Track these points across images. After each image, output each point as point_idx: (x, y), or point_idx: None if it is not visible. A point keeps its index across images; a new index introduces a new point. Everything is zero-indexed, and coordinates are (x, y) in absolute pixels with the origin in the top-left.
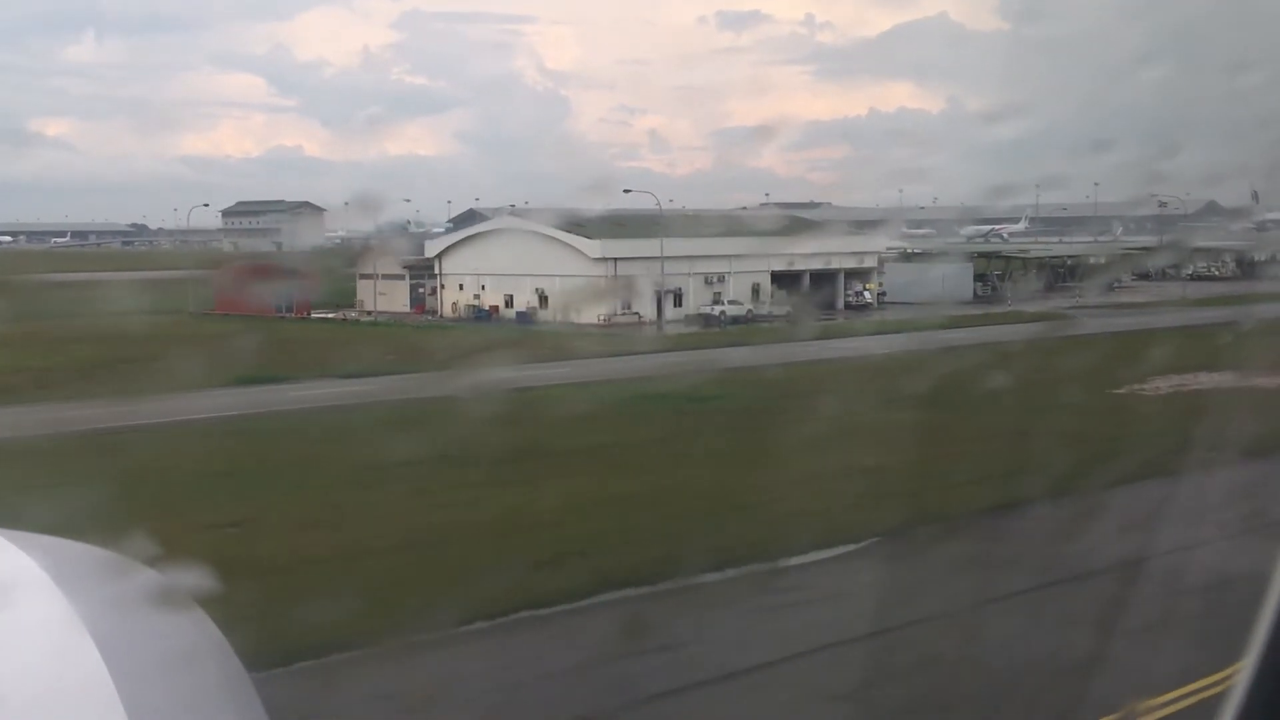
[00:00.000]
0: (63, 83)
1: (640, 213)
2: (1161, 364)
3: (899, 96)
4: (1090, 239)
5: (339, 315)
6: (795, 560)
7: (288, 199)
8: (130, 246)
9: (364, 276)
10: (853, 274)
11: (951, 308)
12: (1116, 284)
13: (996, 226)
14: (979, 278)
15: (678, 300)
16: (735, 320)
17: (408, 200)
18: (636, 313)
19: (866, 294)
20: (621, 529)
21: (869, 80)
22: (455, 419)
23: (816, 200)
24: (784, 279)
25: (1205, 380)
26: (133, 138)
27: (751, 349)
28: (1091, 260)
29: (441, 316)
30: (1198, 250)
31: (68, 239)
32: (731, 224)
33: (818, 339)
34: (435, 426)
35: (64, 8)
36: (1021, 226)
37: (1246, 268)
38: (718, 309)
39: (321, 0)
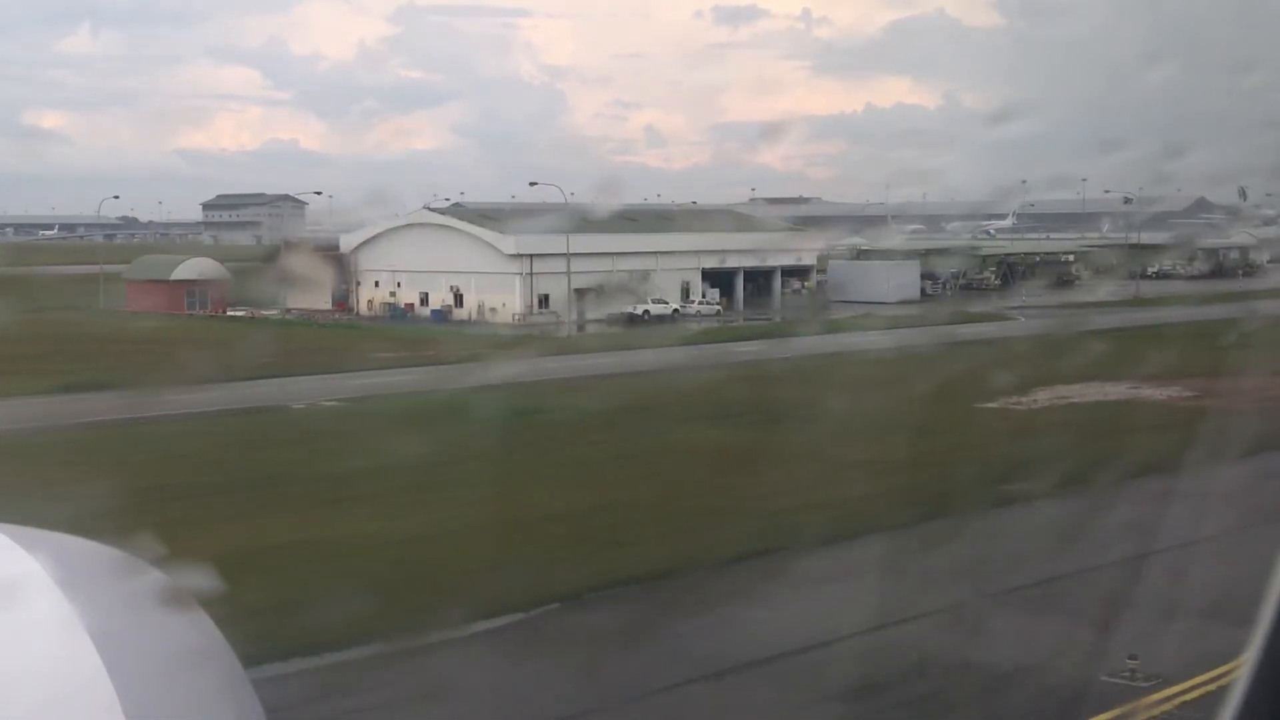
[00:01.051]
0: (59, 75)
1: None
2: (1060, 372)
3: (896, 92)
4: (1078, 236)
5: (248, 313)
6: (425, 639)
7: (285, 192)
8: (112, 240)
9: (286, 272)
10: (790, 272)
11: (891, 308)
12: (1075, 282)
13: (983, 223)
14: (929, 276)
15: (597, 298)
16: (662, 319)
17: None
18: (554, 312)
19: (804, 292)
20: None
21: (866, 76)
22: (193, 439)
23: (806, 195)
24: (717, 277)
25: (1093, 391)
26: (128, 130)
27: (655, 352)
28: (1061, 258)
29: (358, 314)
30: (1164, 248)
31: (55, 231)
32: (665, 220)
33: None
34: (149, 448)
35: (60, 0)
36: (1009, 223)
37: (1212, 266)
38: (640, 308)
39: None
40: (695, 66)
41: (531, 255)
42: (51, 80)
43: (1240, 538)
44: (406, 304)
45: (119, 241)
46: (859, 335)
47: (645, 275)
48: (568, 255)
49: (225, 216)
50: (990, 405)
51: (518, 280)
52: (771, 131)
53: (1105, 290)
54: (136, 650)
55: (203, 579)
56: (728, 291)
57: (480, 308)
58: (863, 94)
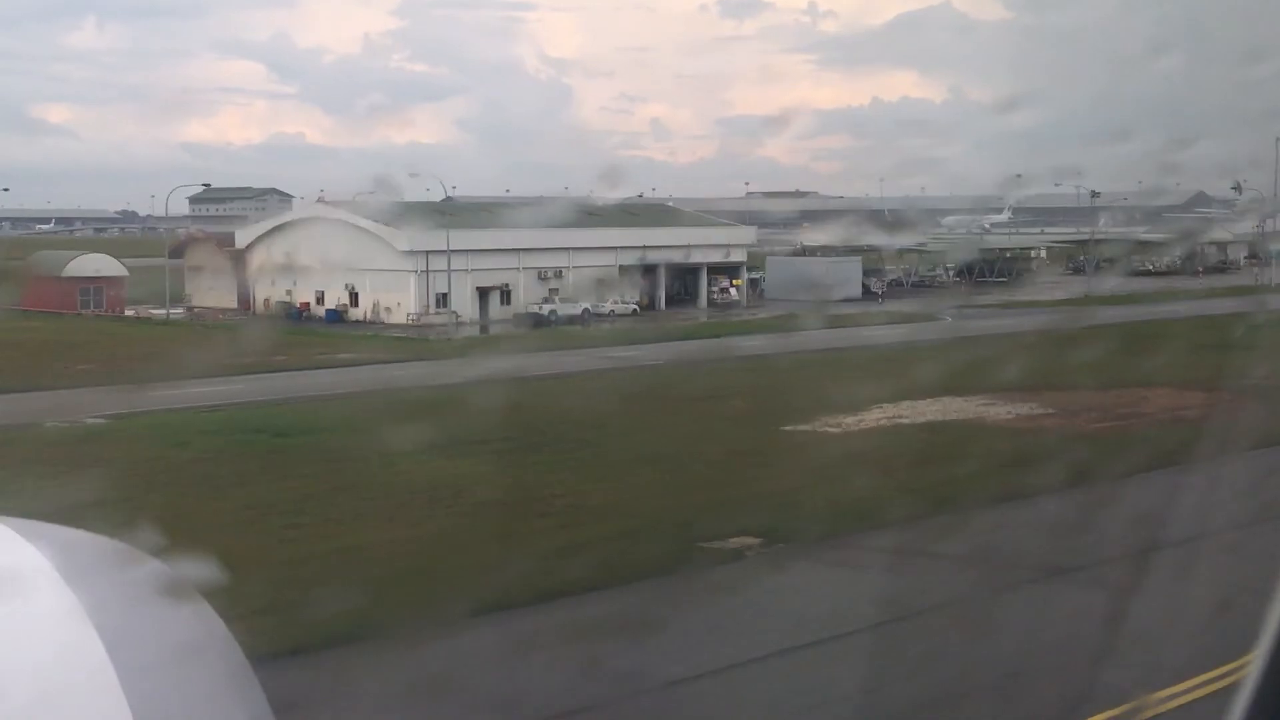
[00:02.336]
0: (64, 69)
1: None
2: (923, 382)
3: (902, 86)
4: (1073, 230)
5: (134, 313)
6: None
7: (296, 186)
8: (101, 233)
9: (193, 269)
10: (718, 269)
11: (826, 306)
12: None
13: (980, 217)
14: (874, 273)
15: (505, 298)
16: (572, 320)
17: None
18: (453, 311)
19: (733, 290)
20: None
21: (872, 69)
22: None
23: (805, 189)
24: (638, 274)
25: (936, 409)
26: (134, 124)
27: (533, 356)
28: (1034, 253)
29: (253, 313)
30: (1141, 244)
31: (52, 225)
32: (578, 213)
33: (631, 343)
34: None
35: None
36: (1005, 217)
37: (1187, 262)
38: (547, 308)
39: None
40: (701, 59)
41: (427, 252)
42: (57, 74)
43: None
44: (302, 303)
45: (107, 235)
46: (756, 338)
47: (558, 272)
48: (446, 251)
49: (212, 210)
50: (801, 427)
51: (412, 278)
52: (776, 124)
53: (1065, 287)
54: (141, 643)
55: (207, 571)
56: (649, 290)
57: (375, 307)
58: (869, 87)
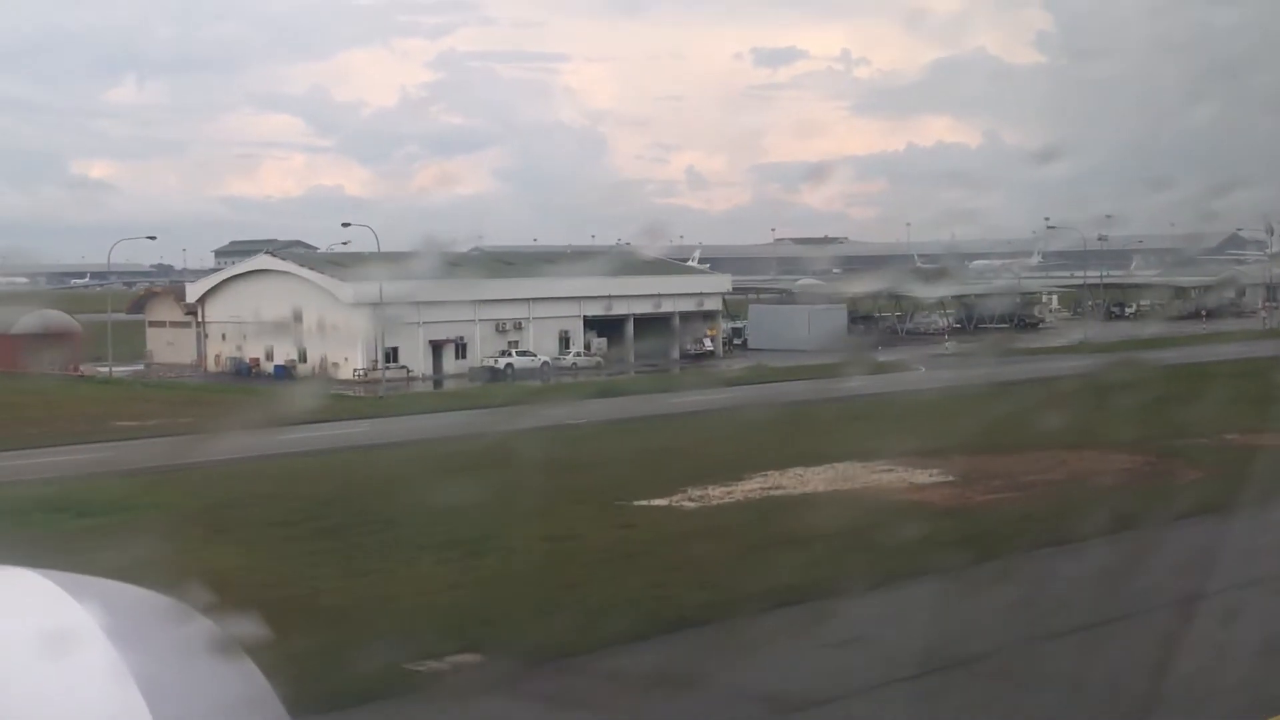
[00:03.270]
0: (105, 125)
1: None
2: (831, 445)
3: (937, 131)
4: (1102, 273)
5: (83, 371)
6: None
7: (329, 238)
8: (130, 287)
9: (153, 324)
10: (691, 317)
11: (808, 355)
12: (1039, 325)
13: (1008, 261)
14: (863, 319)
15: (460, 351)
16: (532, 374)
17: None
18: (404, 366)
19: (708, 341)
20: None
21: (907, 115)
22: None
23: (833, 235)
24: (605, 325)
25: (826, 477)
26: (175, 179)
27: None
28: (1043, 297)
29: (205, 370)
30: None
31: (87, 280)
32: (544, 263)
33: (566, 400)
34: None
35: (105, 50)
36: (1035, 261)
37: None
38: (503, 361)
39: (358, 40)
40: (735, 108)
41: (374, 304)
42: (98, 130)
43: None
44: (251, 359)
45: (133, 289)
46: (701, 394)
47: (518, 324)
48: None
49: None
50: (656, 502)
51: (358, 332)
52: (813, 173)
53: (1057, 334)
54: (185, 700)
55: (251, 628)
56: (617, 340)
57: (323, 363)
58: (904, 133)
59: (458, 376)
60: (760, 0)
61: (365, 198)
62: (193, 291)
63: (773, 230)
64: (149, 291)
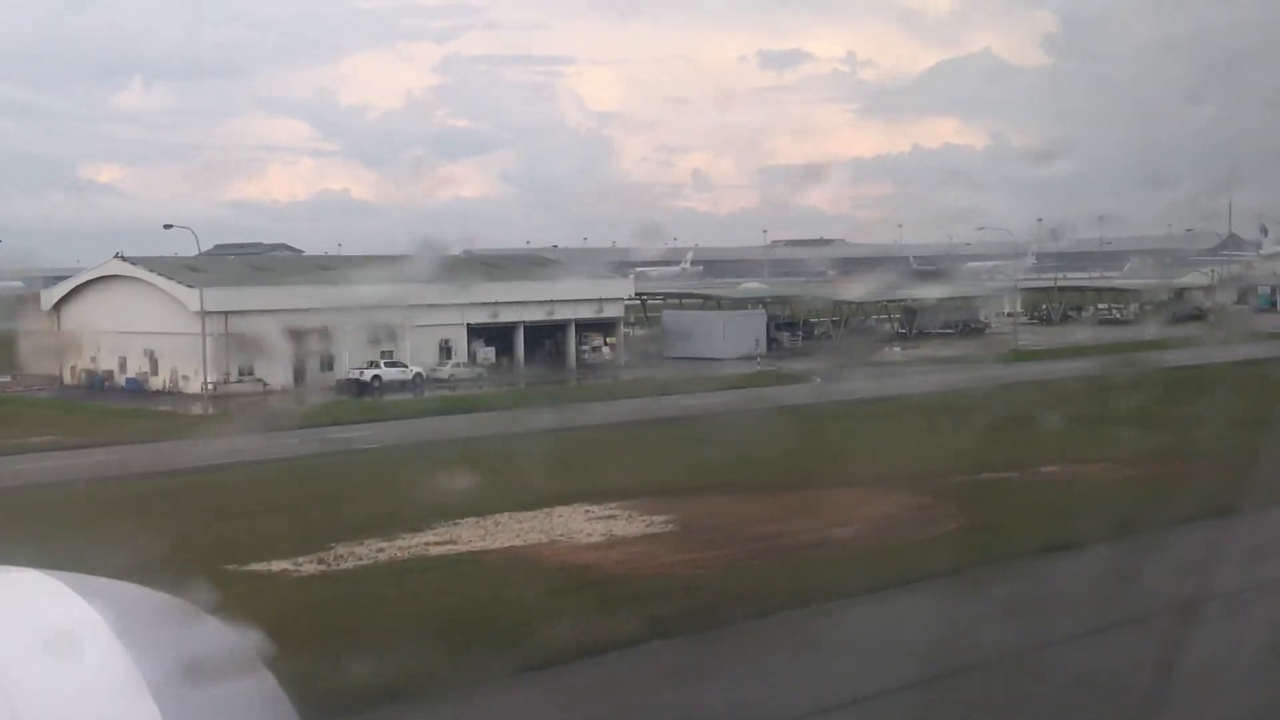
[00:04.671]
0: (112, 129)
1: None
2: (588, 480)
3: (943, 133)
4: (1095, 274)
5: None
6: None
7: (337, 242)
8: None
9: (26, 332)
10: (590, 326)
11: (724, 364)
12: (985, 330)
13: (1000, 263)
14: (787, 326)
15: (326, 362)
16: (403, 386)
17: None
18: (260, 379)
19: (605, 349)
20: None
21: (912, 117)
22: None
23: (829, 237)
24: (494, 334)
25: (527, 526)
26: (182, 183)
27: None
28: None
29: (61, 383)
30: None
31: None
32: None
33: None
34: None
35: (112, 55)
36: (1029, 262)
37: (1153, 311)
38: (369, 373)
39: (363, 45)
40: (741, 110)
41: (226, 313)
42: (105, 134)
43: None
44: (105, 371)
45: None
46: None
47: (390, 333)
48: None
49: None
50: (278, 565)
51: (208, 342)
52: (809, 173)
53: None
54: (195, 703)
55: (261, 631)
56: (507, 350)
57: (173, 375)
58: (909, 135)
59: (323, 390)
60: (765, 3)
61: (372, 201)
62: (47, 298)
63: (764, 232)
64: (17, 296)
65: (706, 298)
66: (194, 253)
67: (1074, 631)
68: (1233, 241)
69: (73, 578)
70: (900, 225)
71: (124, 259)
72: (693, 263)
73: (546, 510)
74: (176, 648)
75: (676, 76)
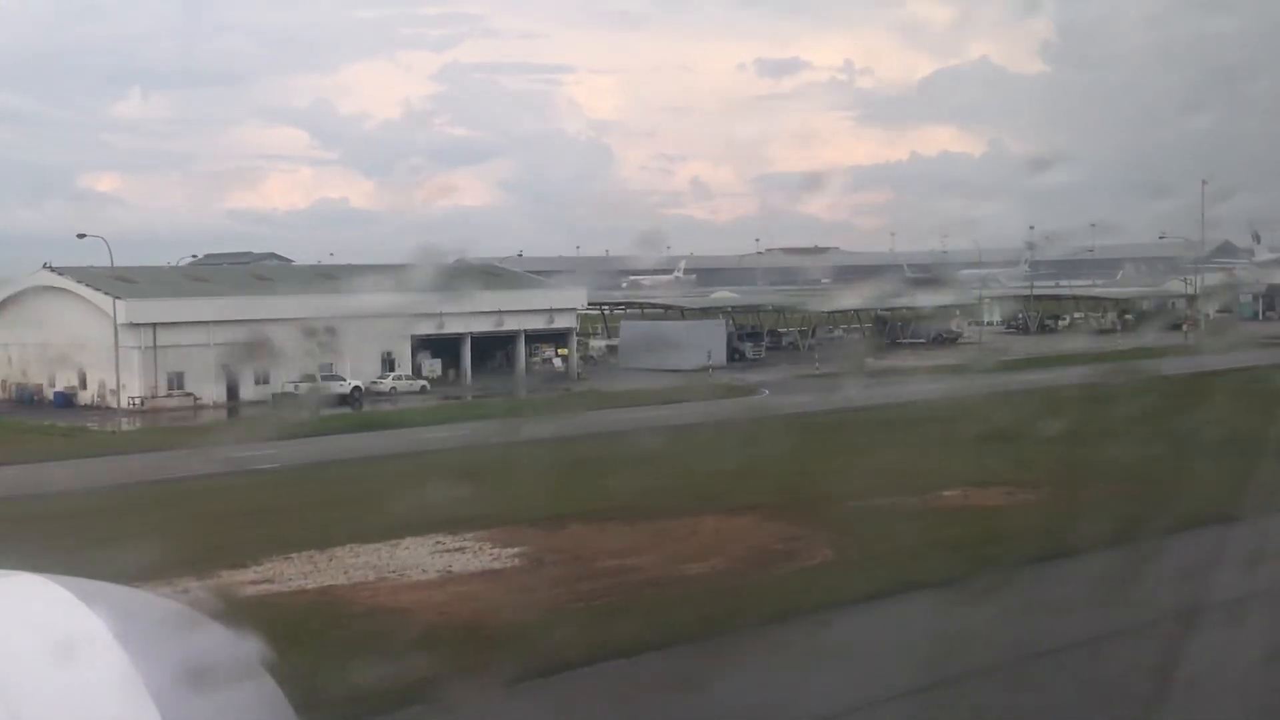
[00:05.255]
0: (111, 138)
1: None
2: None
3: (941, 140)
4: (1088, 283)
5: None
6: None
7: (336, 250)
8: None
9: None
10: (540, 338)
11: (684, 375)
12: (957, 340)
13: (995, 270)
14: (750, 336)
15: (263, 377)
16: (345, 400)
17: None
18: (190, 393)
19: (557, 360)
20: None
21: (910, 125)
22: None
23: (822, 245)
24: (442, 345)
25: (368, 561)
26: (181, 192)
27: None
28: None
29: None
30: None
31: None
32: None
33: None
34: None
35: (110, 64)
36: (1022, 270)
37: (1130, 320)
38: (305, 387)
39: (362, 54)
40: (739, 118)
41: (155, 324)
42: (104, 143)
43: None
44: (36, 385)
45: None
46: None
47: (331, 344)
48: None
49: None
50: None
51: (136, 354)
52: (808, 182)
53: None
54: (196, 708)
55: (264, 637)
56: (455, 362)
57: (101, 388)
58: (907, 142)
59: (259, 404)
60: (763, 11)
61: (372, 210)
62: None
63: (757, 240)
64: None
65: (668, 307)
66: (185, 261)
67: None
68: (1227, 248)
69: (74, 582)
70: (893, 234)
71: (52, 269)
72: (686, 271)
73: (394, 542)
74: (178, 653)
75: (675, 85)
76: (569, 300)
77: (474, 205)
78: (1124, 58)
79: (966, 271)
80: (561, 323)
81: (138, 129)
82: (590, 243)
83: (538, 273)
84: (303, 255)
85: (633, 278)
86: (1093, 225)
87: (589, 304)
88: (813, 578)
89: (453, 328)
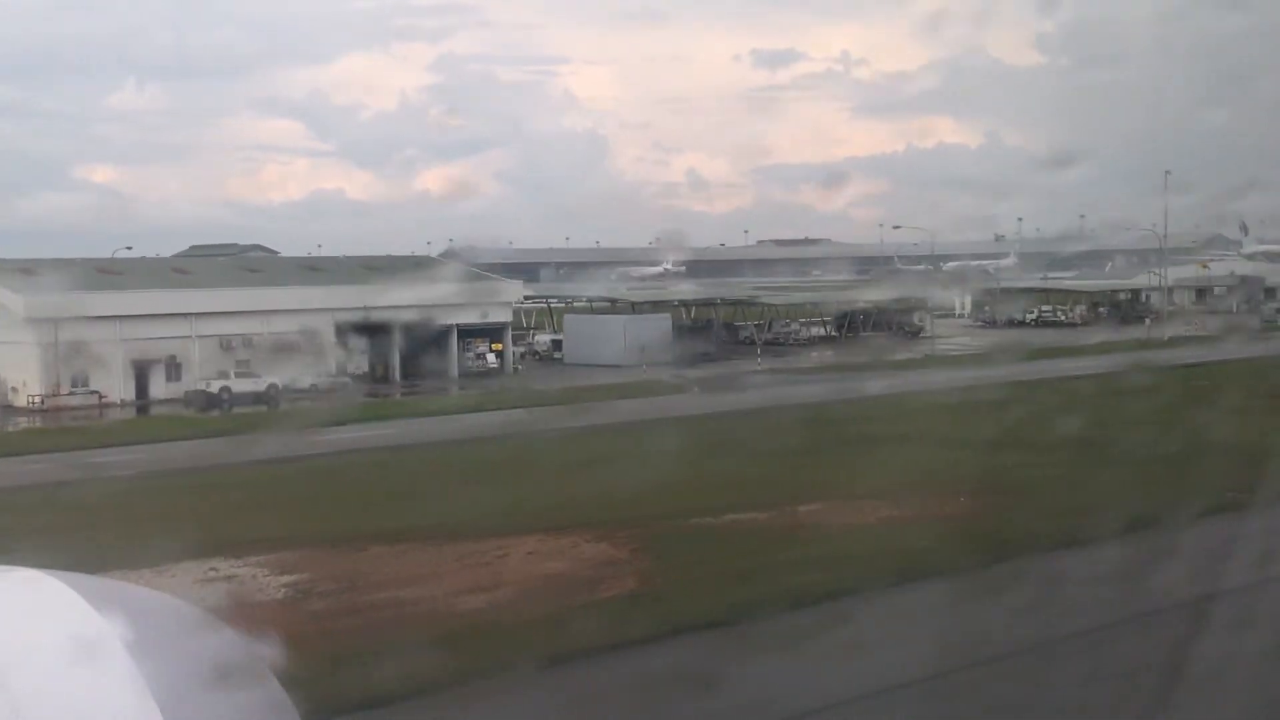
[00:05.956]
0: (106, 130)
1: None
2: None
3: (937, 132)
4: (1076, 274)
5: None
6: None
7: (333, 242)
8: None
9: None
10: (473, 332)
11: (626, 371)
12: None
13: (982, 262)
14: (697, 330)
15: (174, 372)
16: (259, 398)
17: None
18: (95, 391)
19: (490, 356)
20: None
21: (907, 116)
22: None
23: (814, 237)
24: (368, 338)
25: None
26: (177, 183)
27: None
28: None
29: None
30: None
31: None
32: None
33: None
34: None
35: (105, 56)
36: (1011, 261)
37: (1103, 313)
38: (216, 384)
39: (357, 45)
40: (735, 109)
41: (58, 319)
42: (98, 135)
43: None
44: None
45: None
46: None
47: (246, 340)
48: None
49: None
50: None
51: (37, 350)
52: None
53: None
54: (201, 710)
55: (272, 641)
56: (383, 358)
57: (1, 386)
58: (904, 134)
59: (170, 401)
60: (759, 2)
61: (368, 201)
62: None
63: (746, 232)
64: None
65: (614, 300)
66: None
67: None
68: (1218, 240)
69: (80, 580)
70: (880, 225)
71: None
72: (675, 263)
73: (166, 567)
74: (183, 653)
75: (671, 76)
76: (506, 294)
77: (471, 196)
78: (1121, 49)
79: (952, 264)
80: (496, 316)
81: (132, 120)
82: (590, 233)
83: (525, 265)
84: (298, 248)
85: (623, 269)
86: (1081, 217)
87: (525, 297)
88: (598, 614)
89: (374, 320)
